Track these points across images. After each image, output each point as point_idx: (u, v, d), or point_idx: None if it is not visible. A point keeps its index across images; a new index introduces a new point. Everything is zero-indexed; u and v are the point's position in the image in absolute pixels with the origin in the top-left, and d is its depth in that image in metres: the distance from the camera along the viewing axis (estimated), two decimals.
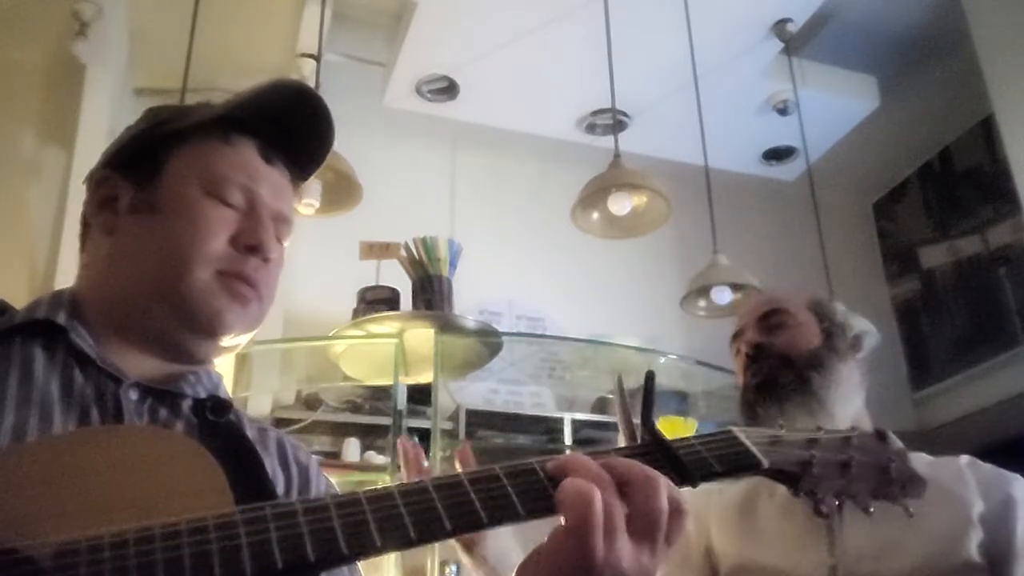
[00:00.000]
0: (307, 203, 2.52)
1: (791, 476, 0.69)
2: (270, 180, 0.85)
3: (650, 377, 0.69)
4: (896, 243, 4.80)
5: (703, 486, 1.40)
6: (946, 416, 4.20)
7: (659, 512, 0.57)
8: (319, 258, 3.39)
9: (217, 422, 0.77)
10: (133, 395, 0.75)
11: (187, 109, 0.88)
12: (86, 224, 0.86)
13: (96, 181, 0.86)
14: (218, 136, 0.84)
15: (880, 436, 0.77)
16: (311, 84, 3.27)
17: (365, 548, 0.55)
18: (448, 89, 3.83)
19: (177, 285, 0.78)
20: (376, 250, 2.62)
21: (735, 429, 0.69)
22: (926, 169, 4.63)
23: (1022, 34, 3.33)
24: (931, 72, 4.15)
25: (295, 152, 0.89)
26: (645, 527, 0.57)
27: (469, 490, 0.58)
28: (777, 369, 1.31)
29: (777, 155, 4.38)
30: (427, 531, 0.56)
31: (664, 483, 0.59)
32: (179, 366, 0.81)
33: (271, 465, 0.80)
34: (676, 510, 0.59)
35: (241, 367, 2.64)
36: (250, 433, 0.80)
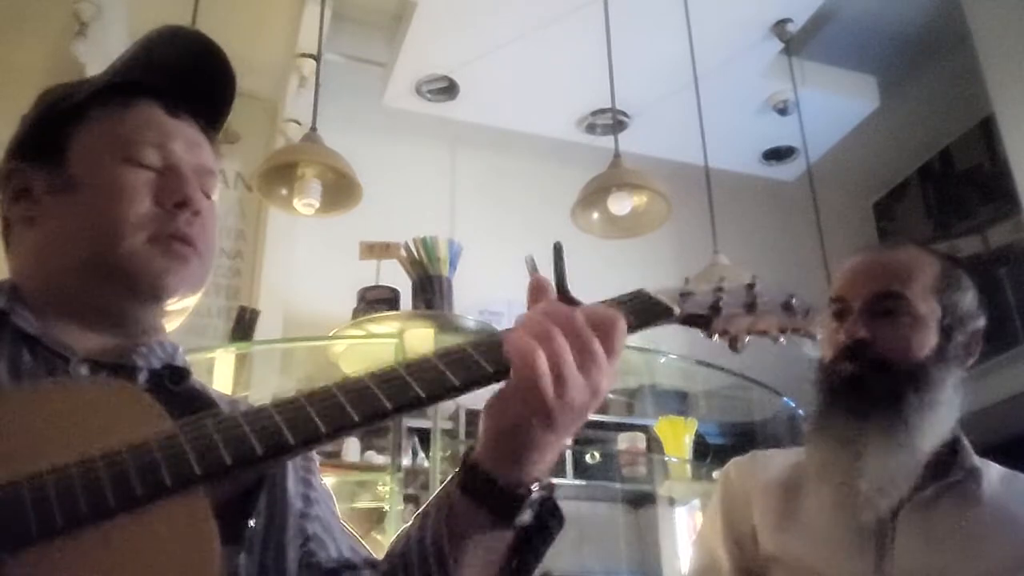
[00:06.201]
0: (307, 203, 2.52)
1: (704, 319, 0.75)
2: (182, 134, 0.82)
3: (558, 248, 0.74)
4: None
5: (747, 462, 1.30)
6: None
7: (614, 349, 0.63)
8: (319, 258, 3.39)
9: (176, 390, 0.75)
10: (83, 371, 0.74)
11: (78, 83, 0.85)
12: (7, 223, 0.83)
13: (4, 176, 0.83)
14: (117, 102, 0.81)
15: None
16: (311, 84, 3.27)
17: (311, 436, 0.57)
18: (448, 89, 3.83)
19: (112, 257, 0.76)
20: (376, 250, 2.62)
21: (646, 289, 0.75)
22: (926, 169, 4.63)
23: (1022, 34, 3.32)
24: (931, 72, 4.15)
25: (201, 103, 0.85)
26: (597, 360, 0.62)
27: (436, 363, 0.62)
28: (872, 370, 1.10)
29: (777, 155, 4.38)
30: (369, 410, 0.58)
31: (617, 317, 0.64)
32: (127, 339, 0.79)
33: None
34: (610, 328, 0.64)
35: (241, 367, 2.63)
36: (220, 404, 0.78)
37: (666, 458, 2.79)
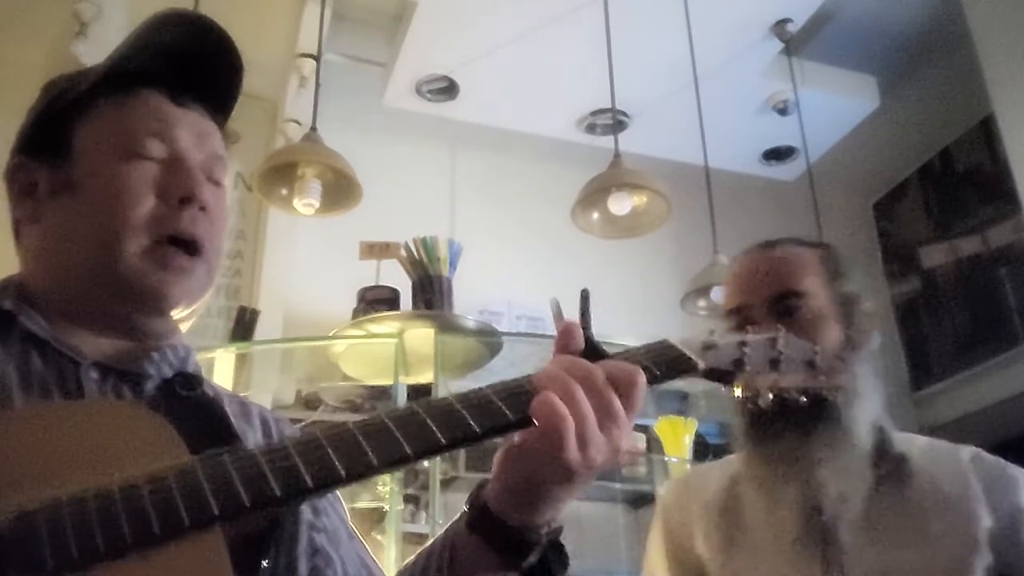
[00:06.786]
0: (307, 203, 2.52)
1: (726, 374, 0.74)
2: (188, 123, 0.79)
3: (585, 296, 0.74)
4: (896, 243, 4.79)
5: (681, 486, 1.25)
6: (947, 416, 4.19)
7: (633, 406, 0.63)
8: (319, 258, 3.39)
9: (188, 397, 0.74)
10: (94, 375, 0.72)
11: (82, 73, 0.82)
12: (16, 219, 0.80)
13: (10, 171, 0.80)
14: (120, 93, 0.78)
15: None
16: (311, 84, 3.27)
17: (330, 479, 0.56)
18: (448, 89, 3.83)
19: (111, 264, 0.73)
20: (376, 250, 2.62)
21: (670, 339, 0.74)
22: (926, 169, 4.63)
23: (1022, 34, 3.32)
24: (931, 72, 4.14)
25: (208, 88, 0.82)
26: (618, 421, 0.62)
27: (458, 408, 0.60)
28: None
29: (777, 155, 4.38)
30: (389, 456, 0.57)
31: (638, 375, 0.64)
32: (138, 344, 0.77)
33: (253, 439, 0.78)
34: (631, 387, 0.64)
35: (241, 367, 2.63)
36: (230, 408, 0.77)
37: (666, 458, 2.79)
